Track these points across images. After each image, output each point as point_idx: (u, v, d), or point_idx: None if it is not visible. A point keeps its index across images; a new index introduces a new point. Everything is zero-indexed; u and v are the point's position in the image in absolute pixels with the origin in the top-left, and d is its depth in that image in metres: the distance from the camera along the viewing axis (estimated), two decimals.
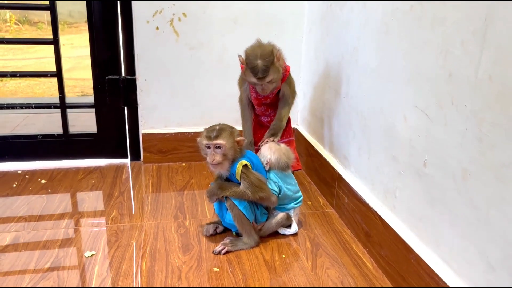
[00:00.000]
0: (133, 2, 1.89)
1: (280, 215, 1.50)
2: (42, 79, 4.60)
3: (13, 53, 5.84)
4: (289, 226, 1.53)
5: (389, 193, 1.32)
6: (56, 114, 2.26)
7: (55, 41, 1.90)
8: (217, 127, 1.39)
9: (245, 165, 1.39)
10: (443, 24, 1.03)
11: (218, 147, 1.36)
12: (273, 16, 2.02)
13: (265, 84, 1.51)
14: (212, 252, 1.41)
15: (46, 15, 7.86)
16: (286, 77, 1.61)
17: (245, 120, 1.71)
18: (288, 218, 1.52)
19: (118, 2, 1.90)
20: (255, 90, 1.61)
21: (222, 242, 1.43)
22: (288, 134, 1.74)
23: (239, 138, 1.40)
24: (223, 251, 1.41)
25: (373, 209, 1.37)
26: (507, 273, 0.86)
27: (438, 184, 1.07)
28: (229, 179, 1.45)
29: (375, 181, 1.41)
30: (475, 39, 0.93)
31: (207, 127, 1.42)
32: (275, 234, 1.52)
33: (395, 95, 1.26)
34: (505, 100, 0.85)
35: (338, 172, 1.65)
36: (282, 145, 1.56)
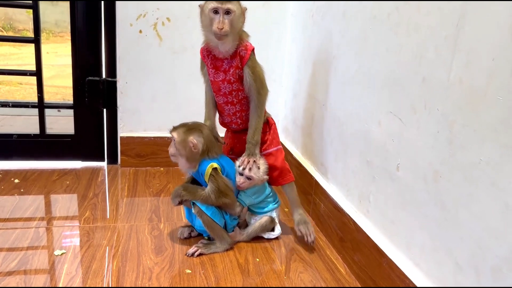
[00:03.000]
0: (117, 4, 1.89)
1: (264, 219, 1.49)
2: (23, 84, 4.53)
3: None
4: (273, 229, 1.52)
5: (363, 198, 1.33)
6: (34, 117, 2.23)
7: (36, 40, 1.89)
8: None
9: (215, 168, 1.38)
10: (418, 30, 1.06)
11: (228, 12, 1.34)
12: (256, 25, 2.03)
13: (224, 17, 1.34)
14: (185, 255, 1.39)
15: (31, 23, 7.82)
16: (247, 57, 1.41)
17: (207, 104, 1.55)
18: (272, 221, 1.51)
19: (102, 4, 1.90)
20: (214, 70, 1.45)
21: (195, 245, 1.42)
22: (275, 142, 1.56)
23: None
24: (196, 253, 1.39)
25: (348, 215, 1.38)
26: (474, 272, 0.87)
27: (410, 186, 1.09)
28: (197, 182, 1.45)
29: (350, 186, 1.42)
30: (447, 43, 0.96)
31: None
32: (253, 238, 1.51)
33: (371, 101, 1.28)
34: (474, 101, 0.88)
35: (315, 179, 1.66)
36: (261, 161, 1.47)
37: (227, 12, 1.35)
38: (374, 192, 1.27)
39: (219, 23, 1.34)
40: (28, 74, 1.98)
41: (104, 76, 1.99)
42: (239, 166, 1.44)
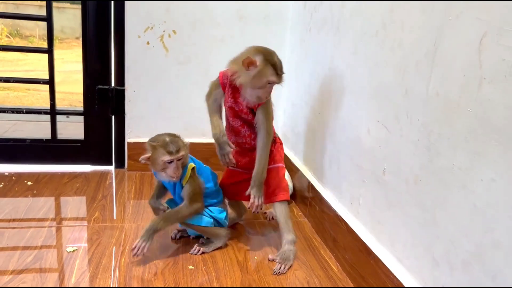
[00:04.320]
0: (126, 17, 2.01)
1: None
2: (31, 90, 4.67)
3: (3, 65, 5.92)
4: None
5: (354, 200, 1.43)
6: (44, 122, 2.34)
7: (49, 50, 2.01)
8: (170, 139, 1.41)
9: (193, 168, 1.46)
10: (402, 46, 1.17)
11: (179, 159, 1.40)
12: (258, 38, 2.15)
13: (271, 87, 1.43)
14: (189, 253, 1.49)
15: (38, 29, 7.99)
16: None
17: (212, 114, 1.54)
18: None
19: (112, 17, 2.01)
20: (232, 100, 1.49)
21: (196, 244, 1.52)
22: (276, 160, 1.58)
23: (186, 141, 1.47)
24: (198, 253, 1.49)
25: (340, 216, 1.48)
26: (447, 266, 0.97)
27: (394, 189, 1.19)
28: (165, 188, 1.53)
29: (342, 189, 1.52)
30: (426, 59, 1.06)
31: (153, 141, 1.43)
32: (249, 238, 1.61)
33: (362, 110, 1.39)
34: (448, 113, 0.98)
35: (311, 183, 1.76)
36: None
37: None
38: (363, 195, 1.37)
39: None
40: (41, 82, 2.09)
41: (113, 84, 2.11)
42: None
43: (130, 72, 2.09)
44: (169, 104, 2.17)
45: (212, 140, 1.52)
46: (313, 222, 1.74)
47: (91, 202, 1.83)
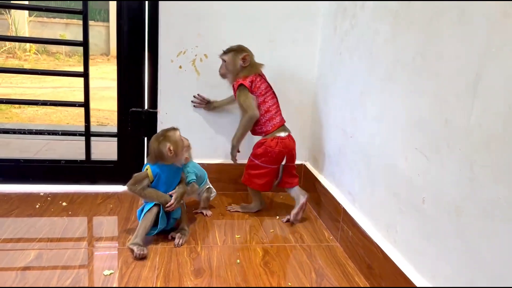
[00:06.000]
0: (160, 43, 2.06)
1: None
2: (59, 107, 4.79)
3: (31, 81, 6.10)
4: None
5: (390, 227, 1.42)
6: (75, 142, 2.38)
7: (85, 74, 2.07)
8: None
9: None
10: (440, 76, 1.17)
11: (224, 60, 1.96)
12: (286, 61, 2.19)
13: (222, 63, 1.99)
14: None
15: (64, 46, 8.22)
16: (235, 89, 1.94)
17: None
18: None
19: (146, 42, 2.07)
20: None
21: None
22: (259, 157, 1.98)
23: None
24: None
25: (375, 243, 1.47)
26: None
27: (434, 219, 1.18)
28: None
29: (377, 216, 1.51)
30: (467, 90, 1.06)
31: (161, 135, 1.78)
32: (284, 263, 1.62)
33: (397, 137, 1.39)
34: (492, 145, 0.97)
35: (343, 207, 1.76)
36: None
37: (223, 60, 1.97)
38: (400, 223, 1.36)
39: (220, 68, 2.01)
40: (77, 105, 2.15)
41: (146, 107, 2.15)
42: None
43: (163, 95, 2.13)
44: (199, 126, 2.20)
45: (241, 162, 1.98)
46: (346, 247, 1.73)
47: (124, 223, 1.86)
